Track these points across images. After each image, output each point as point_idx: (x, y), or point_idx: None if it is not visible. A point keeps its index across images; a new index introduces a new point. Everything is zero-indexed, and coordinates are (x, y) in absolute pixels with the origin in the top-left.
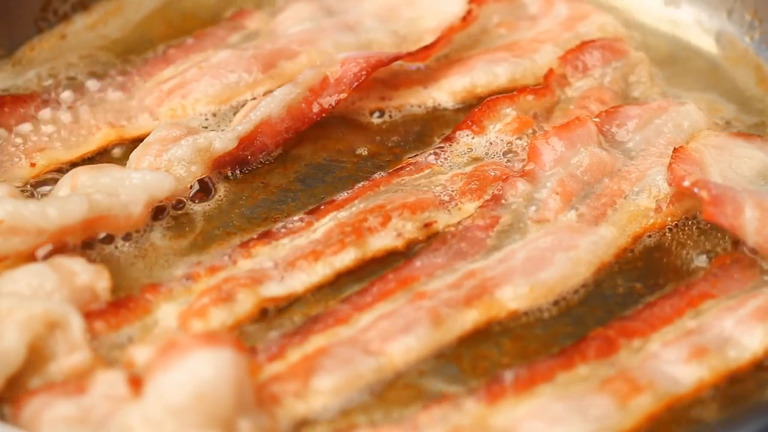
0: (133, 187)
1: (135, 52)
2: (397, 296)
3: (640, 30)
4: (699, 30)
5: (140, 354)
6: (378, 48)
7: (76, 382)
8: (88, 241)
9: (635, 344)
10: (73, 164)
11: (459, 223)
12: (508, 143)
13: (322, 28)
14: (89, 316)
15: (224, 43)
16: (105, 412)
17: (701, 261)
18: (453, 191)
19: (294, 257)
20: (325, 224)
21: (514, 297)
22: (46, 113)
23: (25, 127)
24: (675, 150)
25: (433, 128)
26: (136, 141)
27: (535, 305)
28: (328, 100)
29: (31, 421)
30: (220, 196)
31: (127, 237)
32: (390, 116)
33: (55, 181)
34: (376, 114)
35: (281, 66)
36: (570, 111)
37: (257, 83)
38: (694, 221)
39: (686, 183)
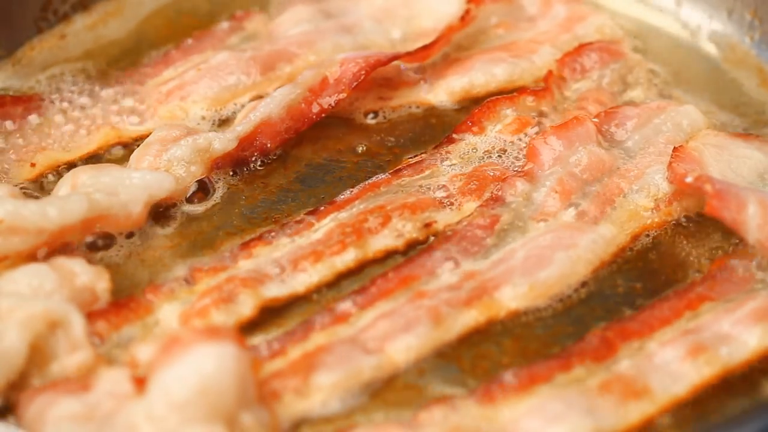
0: (133, 186)
1: (134, 53)
2: (398, 295)
3: (638, 31)
4: (698, 30)
5: (143, 352)
6: (376, 49)
7: (81, 381)
8: (88, 241)
9: (633, 345)
10: (73, 164)
11: (459, 223)
12: (508, 143)
13: (321, 30)
14: (91, 316)
15: (223, 45)
16: (109, 410)
17: (700, 261)
18: (453, 191)
19: (295, 257)
20: (326, 225)
21: (513, 296)
22: (46, 113)
23: (26, 127)
24: (675, 149)
25: (432, 128)
26: (136, 141)
27: (534, 304)
28: (328, 101)
29: (36, 419)
30: (220, 196)
31: (127, 237)
32: (389, 116)
33: (55, 181)
34: (376, 114)
35: (280, 68)
36: (568, 112)
37: (256, 85)
38: (694, 221)
39: (689, 179)
